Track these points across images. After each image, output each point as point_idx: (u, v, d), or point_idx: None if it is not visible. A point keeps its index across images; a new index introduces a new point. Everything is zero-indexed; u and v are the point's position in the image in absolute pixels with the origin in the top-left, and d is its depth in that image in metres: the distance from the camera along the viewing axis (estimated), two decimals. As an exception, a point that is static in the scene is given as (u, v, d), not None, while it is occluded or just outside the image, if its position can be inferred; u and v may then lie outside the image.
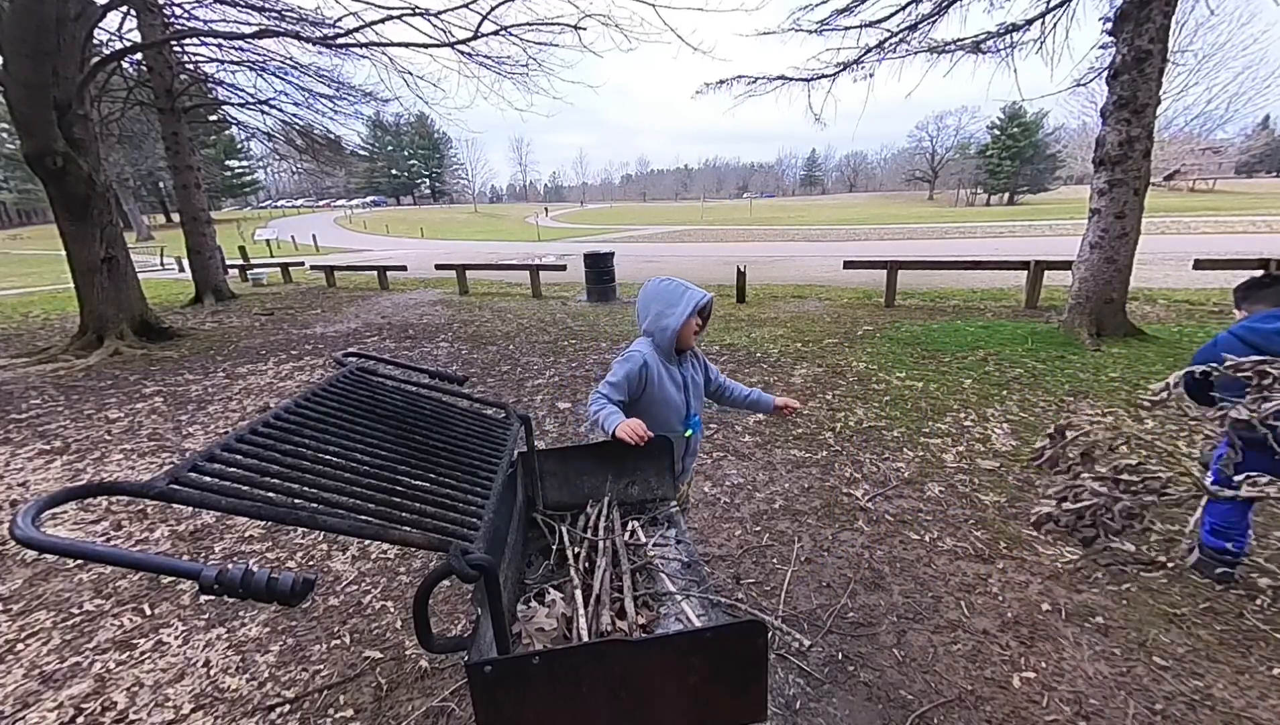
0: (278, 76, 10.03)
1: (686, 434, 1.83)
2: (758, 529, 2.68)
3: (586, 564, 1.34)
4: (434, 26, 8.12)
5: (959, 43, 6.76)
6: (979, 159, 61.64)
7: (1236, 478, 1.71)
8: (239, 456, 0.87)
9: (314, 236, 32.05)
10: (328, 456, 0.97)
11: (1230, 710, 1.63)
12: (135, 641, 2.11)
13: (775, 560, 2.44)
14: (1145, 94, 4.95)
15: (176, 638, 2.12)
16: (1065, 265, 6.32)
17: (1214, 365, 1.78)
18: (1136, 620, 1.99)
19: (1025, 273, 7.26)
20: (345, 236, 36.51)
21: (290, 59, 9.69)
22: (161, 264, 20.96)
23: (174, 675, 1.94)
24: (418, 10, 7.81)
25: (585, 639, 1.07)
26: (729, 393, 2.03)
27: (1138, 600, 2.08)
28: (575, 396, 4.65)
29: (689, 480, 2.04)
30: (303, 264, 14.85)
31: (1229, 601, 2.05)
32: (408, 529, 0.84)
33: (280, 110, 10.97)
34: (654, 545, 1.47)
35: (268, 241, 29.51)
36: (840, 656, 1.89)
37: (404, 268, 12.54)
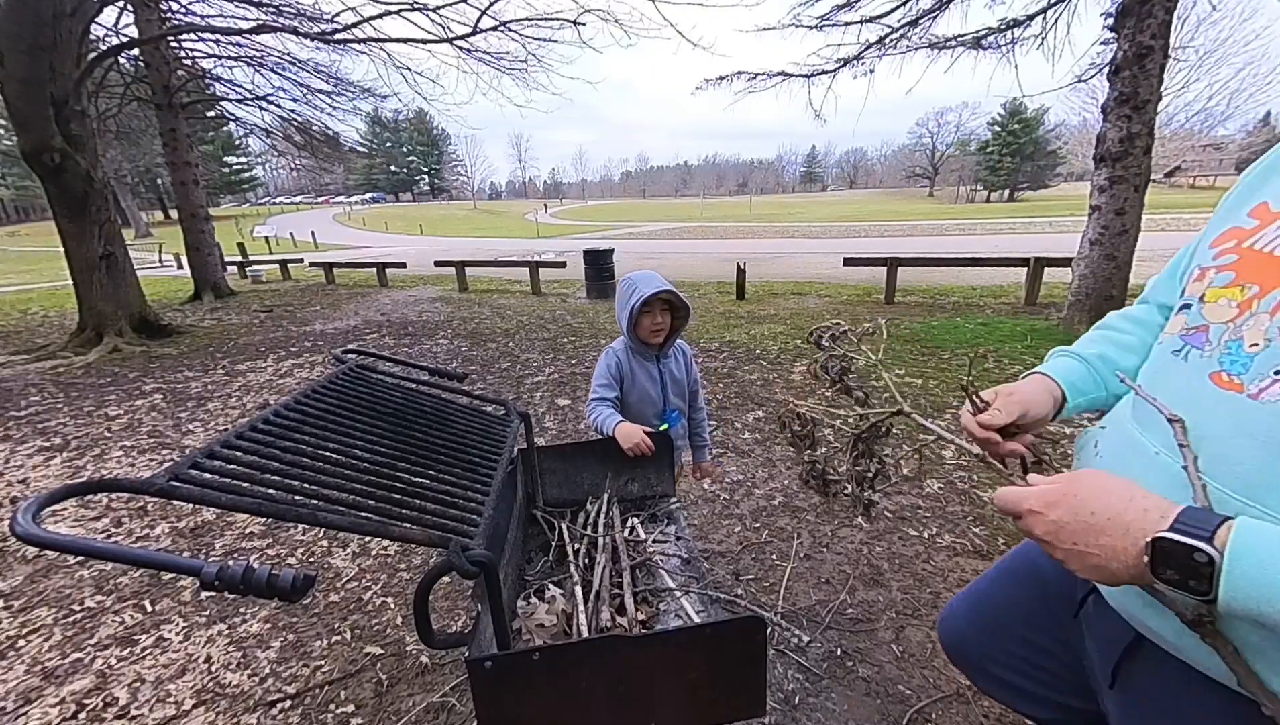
0: (275, 72, 10.01)
1: (663, 427, 1.84)
2: (757, 525, 2.69)
3: (586, 560, 1.34)
4: (432, 22, 8.09)
5: (960, 39, 6.74)
6: (979, 155, 61.57)
7: None
8: (239, 453, 0.87)
9: (313, 233, 31.99)
10: (328, 453, 0.97)
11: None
12: (136, 638, 2.11)
13: (774, 556, 2.45)
14: (1146, 90, 4.94)
15: (177, 634, 2.13)
16: (1065, 262, 6.32)
17: None
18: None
19: (1025, 270, 7.26)
20: (344, 233, 36.43)
21: (288, 54, 9.66)
22: (160, 261, 20.93)
23: (175, 671, 1.95)
24: (416, 5, 7.78)
25: (585, 635, 1.07)
26: (692, 411, 2.05)
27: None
28: (575, 393, 4.65)
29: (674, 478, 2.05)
30: (302, 261, 14.82)
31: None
32: (408, 526, 0.84)
33: (278, 106, 10.94)
34: (653, 542, 1.47)
35: (266, 238, 29.48)
36: (839, 652, 1.90)
37: (403, 265, 12.52)
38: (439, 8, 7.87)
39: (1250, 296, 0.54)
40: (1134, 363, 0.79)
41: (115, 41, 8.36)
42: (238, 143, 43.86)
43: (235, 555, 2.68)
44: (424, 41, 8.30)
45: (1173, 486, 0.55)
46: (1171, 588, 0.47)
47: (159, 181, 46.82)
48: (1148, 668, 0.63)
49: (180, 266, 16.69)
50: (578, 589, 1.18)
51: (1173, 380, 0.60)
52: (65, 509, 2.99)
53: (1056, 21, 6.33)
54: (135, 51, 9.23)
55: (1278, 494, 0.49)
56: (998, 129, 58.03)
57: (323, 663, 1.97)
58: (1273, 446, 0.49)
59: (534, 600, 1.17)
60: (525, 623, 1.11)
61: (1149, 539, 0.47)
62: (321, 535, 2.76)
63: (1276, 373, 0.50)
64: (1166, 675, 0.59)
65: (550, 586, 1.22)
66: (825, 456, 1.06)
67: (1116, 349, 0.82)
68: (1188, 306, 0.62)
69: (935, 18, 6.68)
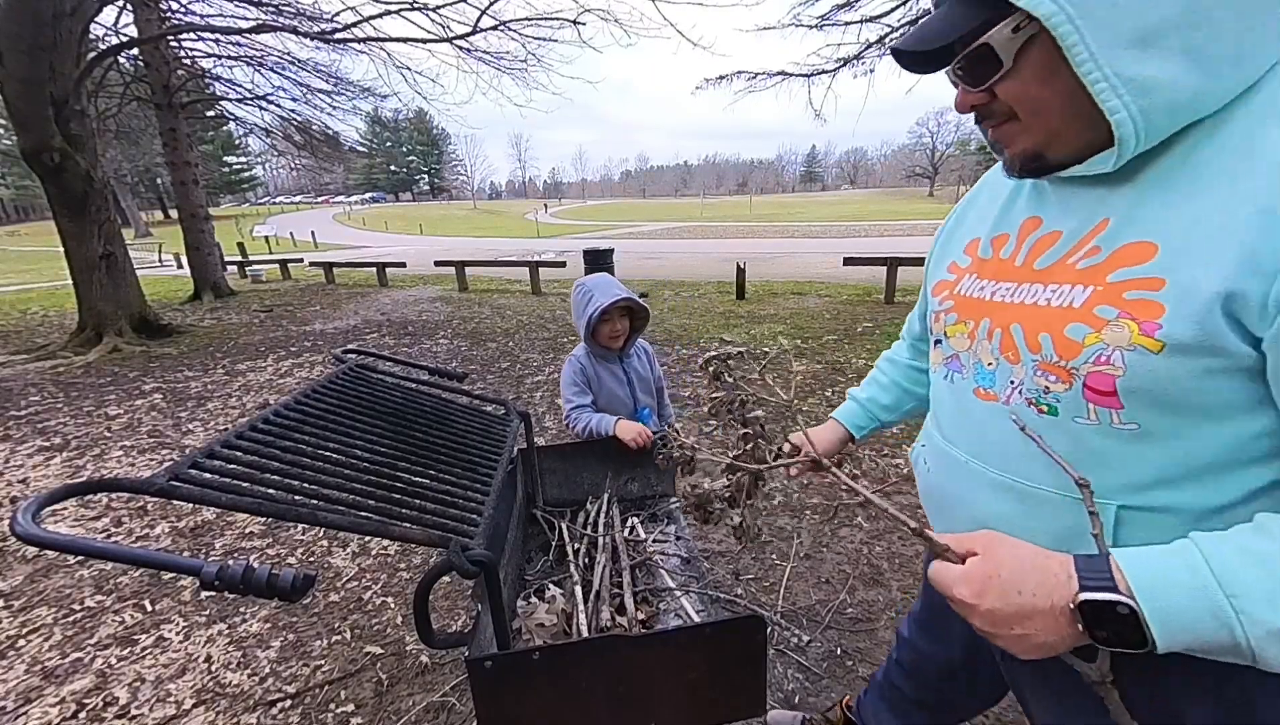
0: (275, 72, 10.02)
1: None
2: (757, 525, 2.69)
3: (586, 560, 1.34)
4: (432, 21, 8.10)
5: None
6: (979, 155, 61.52)
7: None
8: (239, 453, 0.87)
9: (313, 233, 32.00)
10: (328, 453, 0.97)
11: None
12: (136, 637, 2.11)
13: (774, 556, 2.45)
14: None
15: (177, 634, 2.13)
16: (1065, 262, 6.30)
17: None
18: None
19: (1025, 269, 7.25)
20: (344, 233, 36.44)
21: (288, 54, 9.67)
22: (160, 261, 20.93)
23: (175, 671, 1.95)
24: (416, 5, 7.78)
25: (585, 635, 1.07)
26: (660, 407, 2.07)
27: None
28: (575, 393, 4.65)
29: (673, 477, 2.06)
30: (301, 260, 14.81)
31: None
32: (408, 525, 0.84)
33: (278, 106, 10.95)
34: (653, 541, 1.47)
35: (266, 238, 29.49)
36: (839, 652, 1.90)
37: (403, 264, 12.52)
38: (439, 7, 7.88)
39: (971, 328, 0.69)
40: (889, 399, 1.08)
41: (115, 41, 8.36)
42: (237, 142, 43.91)
43: (235, 555, 2.68)
44: (424, 41, 8.30)
45: (987, 487, 0.67)
46: (1107, 647, 0.49)
47: (159, 181, 46.83)
48: None
49: (180, 266, 16.69)
50: (578, 589, 1.18)
51: (951, 399, 0.73)
52: (65, 509, 2.99)
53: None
54: (135, 51, 9.23)
55: (1046, 475, 0.60)
56: (998, 128, 57.94)
57: (323, 662, 1.97)
58: (1029, 440, 0.61)
59: (534, 600, 1.17)
60: (525, 622, 1.11)
61: (1075, 605, 0.49)
62: (321, 535, 2.76)
63: (1012, 382, 0.63)
64: None
65: (550, 586, 1.22)
66: (711, 488, 1.01)
67: (878, 388, 1.10)
68: (939, 342, 0.77)
69: (935, 17, 6.68)
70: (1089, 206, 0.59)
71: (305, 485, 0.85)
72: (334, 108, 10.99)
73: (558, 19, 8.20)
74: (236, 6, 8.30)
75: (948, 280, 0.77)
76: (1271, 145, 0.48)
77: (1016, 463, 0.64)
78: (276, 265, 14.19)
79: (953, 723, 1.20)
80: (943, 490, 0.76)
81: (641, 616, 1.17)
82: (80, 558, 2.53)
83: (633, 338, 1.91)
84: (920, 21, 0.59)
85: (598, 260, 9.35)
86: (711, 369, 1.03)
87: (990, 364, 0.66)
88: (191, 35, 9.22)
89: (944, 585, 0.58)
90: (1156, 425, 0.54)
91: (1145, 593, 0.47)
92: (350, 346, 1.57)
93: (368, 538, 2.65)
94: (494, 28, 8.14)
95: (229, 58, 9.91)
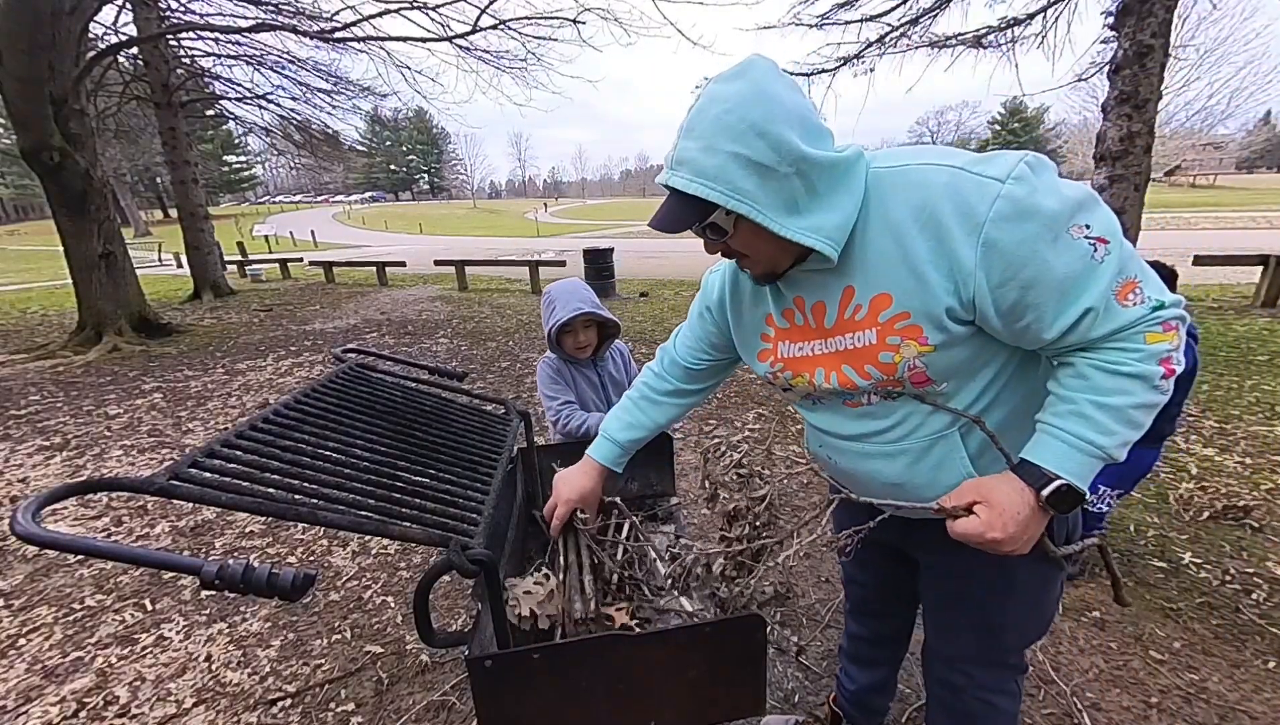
0: (275, 71, 10.01)
1: None
2: (758, 524, 2.69)
3: (575, 552, 1.33)
4: (432, 20, 8.08)
5: (960, 37, 6.73)
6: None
7: None
8: (239, 452, 0.87)
9: (312, 232, 31.97)
10: (327, 452, 0.97)
11: (1225, 703, 1.65)
12: (137, 636, 2.12)
13: (774, 555, 2.45)
14: (1147, 89, 4.93)
15: (178, 633, 2.13)
16: (1065, 261, 6.30)
17: None
18: (1133, 615, 2.00)
19: (1025, 268, 7.23)
20: (344, 232, 36.42)
21: (287, 53, 9.66)
22: (159, 260, 20.91)
23: (175, 670, 1.95)
24: (415, 4, 7.77)
25: (566, 610, 1.07)
26: None
27: (1135, 595, 2.09)
28: (575, 392, 4.64)
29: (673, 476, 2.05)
30: (301, 260, 14.81)
31: (1225, 597, 2.07)
32: (408, 524, 0.84)
33: (278, 105, 10.94)
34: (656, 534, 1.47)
35: (266, 237, 29.46)
36: (839, 651, 1.90)
37: (403, 264, 12.52)
38: (438, 6, 7.87)
39: (809, 378, 0.93)
40: (643, 433, 1.27)
41: (114, 40, 8.35)
42: (237, 141, 43.84)
43: (235, 554, 2.68)
44: (424, 40, 8.29)
45: (882, 457, 0.93)
46: (1064, 514, 0.78)
47: (158, 180, 46.77)
48: (923, 529, 1.01)
49: (180, 265, 16.66)
50: (555, 576, 1.18)
51: (829, 412, 0.98)
52: (65, 508, 2.99)
53: (1057, 20, 6.33)
54: (134, 50, 9.22)
55: (914, 435, 0.89)
56: (998, 127, 58.05)
57: (323, 661, 1.97)
58: (890, 421, 0.91)
59: (524, 579, 1.17)
60: (512, 591, 1.10)
61: (1042, 502, 0.75)
62: (321, 534, 2.76)
63: (866, 392, 0.89)
64: (934, 528, 0.92)
65: (543, 568, 1.23)
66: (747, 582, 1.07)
67: (641, 431, 1.27)
68: (788, 389, 0.99)
69: (935, 16, 6.68)
70: (833, 282, 0.86)
71: (305, 484, 0.85)
72: (334, 107, 10.98)
73: (558, 18, 8.19)
74: (236, 5, 8.30)
75: (766, 349, 1.01)
76: (897, 223, 0.78)
77: (893, 434, 0.91)
78: (276, 264, 14.19)
79: (902, 654, 1.45)
80: (854, 470, 1.00)
81: (613, 612, 1.17)
82: (80, 557, 2.54)
83: (605, 346, 1.88)
84: (663, 208, 0.81)
85: (597, 260, 9.36)
86: (732, 475, 1.12)
87: (841, 391, 0.92)
88: (191, 34, 9.21)
89: (975, 535, 0.76)
90: (956, 381, 0.85)
91: (1066, 471, 0.74)
92: (350, 346, 1.57)
93: (368, 537, 2.65)
94: (494, 27, 8.14)
95: (228, 56, 9.90)
